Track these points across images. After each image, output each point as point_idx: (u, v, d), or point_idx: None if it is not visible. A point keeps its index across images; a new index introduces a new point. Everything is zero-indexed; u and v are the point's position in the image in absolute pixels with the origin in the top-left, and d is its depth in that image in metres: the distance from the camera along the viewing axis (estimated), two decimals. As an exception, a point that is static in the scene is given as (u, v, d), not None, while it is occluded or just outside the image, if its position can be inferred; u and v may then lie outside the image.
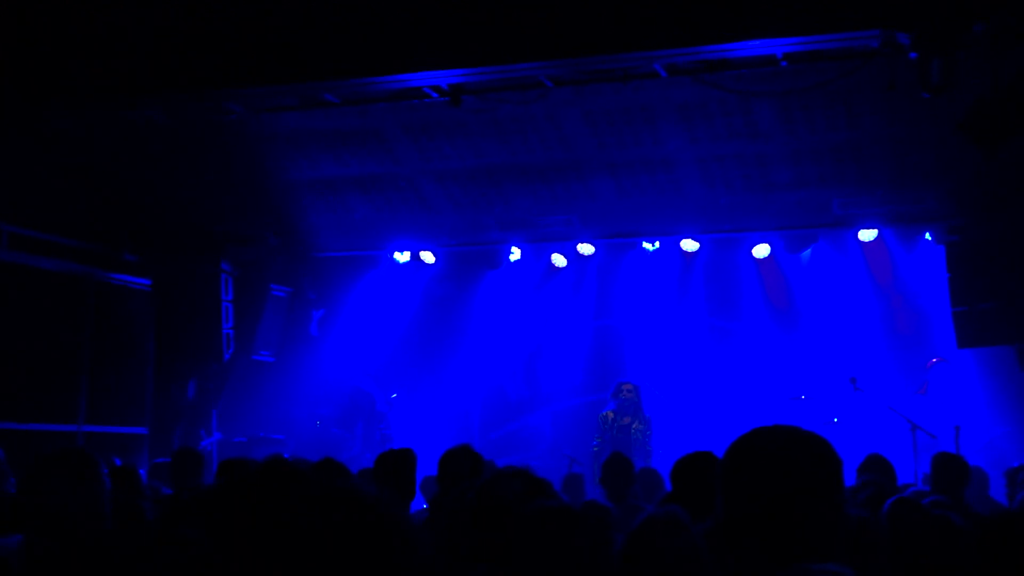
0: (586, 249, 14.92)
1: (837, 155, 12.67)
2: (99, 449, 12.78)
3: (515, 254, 15.20)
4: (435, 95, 11.01)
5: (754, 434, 2.40)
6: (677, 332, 15.27)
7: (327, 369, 15.84)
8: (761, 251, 14.62)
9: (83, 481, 4.01)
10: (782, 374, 14.49)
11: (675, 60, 10.25)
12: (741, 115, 12.08)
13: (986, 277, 12.40)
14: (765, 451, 2.35)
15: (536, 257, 15.37)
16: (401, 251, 15.50)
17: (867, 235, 13.88)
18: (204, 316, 14.82)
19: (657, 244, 14.88)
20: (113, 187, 13.46)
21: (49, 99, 10.90)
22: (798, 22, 9.06)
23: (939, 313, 13.40)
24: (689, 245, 14.62)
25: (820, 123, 12.14)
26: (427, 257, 15.48)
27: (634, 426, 12.96)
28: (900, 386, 13.47)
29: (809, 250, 14.46)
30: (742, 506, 2.32)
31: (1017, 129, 9.03)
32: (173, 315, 14.60)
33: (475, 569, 3.96)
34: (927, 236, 13.70)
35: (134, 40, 10.34)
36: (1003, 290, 12.24)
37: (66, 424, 13.53)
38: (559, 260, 15.41)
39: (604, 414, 13.23)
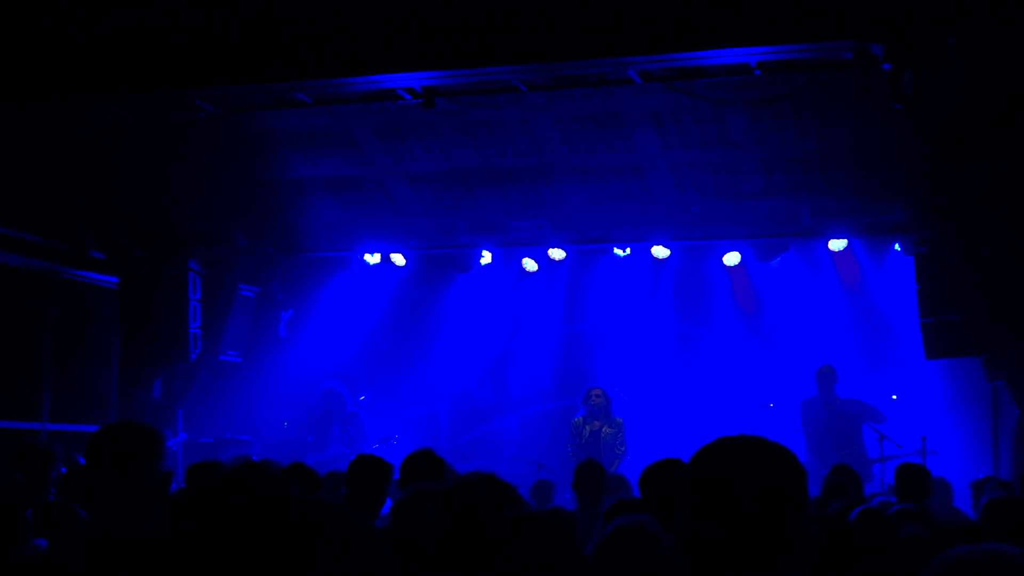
0: (557, 254, 14.87)
1: (807, 165, 12.70)
2: (63, 448, 12.65)
3: (486, 258, 15.14)
4: (408, 97, 10.96)
5: (719, 444, 2.37)
6: (647, 338, 15.26)
7: (295, 370, 15.71)
8: (732, 259, 14.64)
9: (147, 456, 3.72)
10: (751, 382, 14.51)
11: (649, 67, 10.24)
12: (713, 123, 12.09)
13: (954, 289, 12.45)
14: (729, 462, 2.32)
15: (507, 261, 15.30)
16: (371, 253, 15.38)
17: (837, 245, 13.92)
18: (171, 315, 14.68)
19: (628, 250, 14.86)
20: (80, 184, 13.32)
21: (16, 97, 10.75)
22: (773, 31, 9.07)
23: (908, 324, 13.45)
24: (660, 252, 14.60)
25: (791, 132, 12.17)
26: (398, 259, 15.37)
27: (604, 430, 12.94)
28: (868, 396, 13.52)
29: (779, 259, 14.48)
30: (704, 517, 2.29)
31: (987, 142, 9.08)
32: (139, 314, 14.45)
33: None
34: (896, 247, 13.76)
35: (102, 37, 10.22)
36: (971, 302, 12.30)
37: (30, 422, 13.38)
38: (530, 264, 15.36)
39: (575, 420, 13.23)
